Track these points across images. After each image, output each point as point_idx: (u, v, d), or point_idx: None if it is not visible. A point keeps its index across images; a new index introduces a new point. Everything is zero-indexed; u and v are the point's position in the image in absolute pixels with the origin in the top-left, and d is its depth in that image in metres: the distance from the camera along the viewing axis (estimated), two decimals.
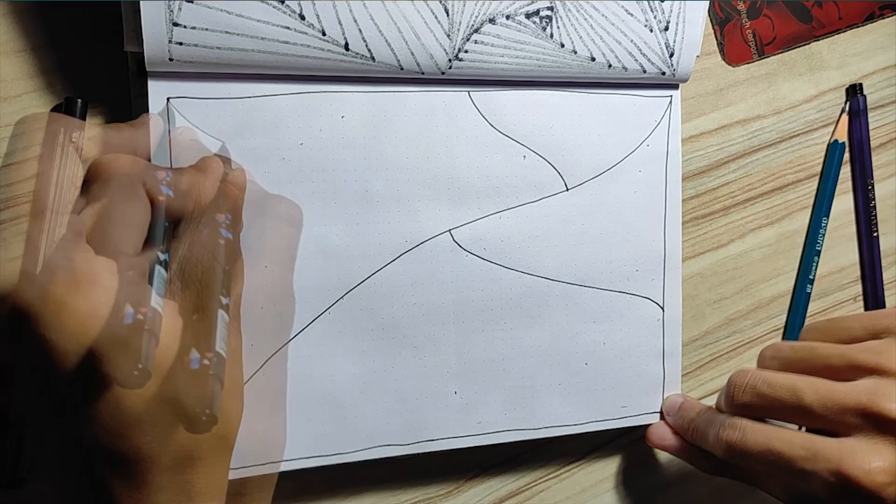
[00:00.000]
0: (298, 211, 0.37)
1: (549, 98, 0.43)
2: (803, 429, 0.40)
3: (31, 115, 0.35)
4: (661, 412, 0.46)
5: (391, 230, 0.40)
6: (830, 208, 0.52)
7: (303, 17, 0.36)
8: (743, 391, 0.40)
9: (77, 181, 0.37)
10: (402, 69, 0.39)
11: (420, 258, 0.41)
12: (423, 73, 0.39)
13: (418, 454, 0.41)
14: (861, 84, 0.52)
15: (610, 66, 0.42)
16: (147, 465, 0.29)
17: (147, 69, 0.36)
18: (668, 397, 0.46)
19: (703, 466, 0.44)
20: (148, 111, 0.36)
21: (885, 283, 0.53)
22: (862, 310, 0.54)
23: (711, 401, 0.45)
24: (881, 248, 0.53)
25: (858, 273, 0.53)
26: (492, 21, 0.39)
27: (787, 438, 0.38)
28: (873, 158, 0.52)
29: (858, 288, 0.53)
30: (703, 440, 0.42)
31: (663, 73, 0.43)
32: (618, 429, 0.45)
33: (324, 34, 0.37)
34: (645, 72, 0.43)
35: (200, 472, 0.31)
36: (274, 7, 0.36)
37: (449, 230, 0.41)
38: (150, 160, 0.34)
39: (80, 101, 0.37)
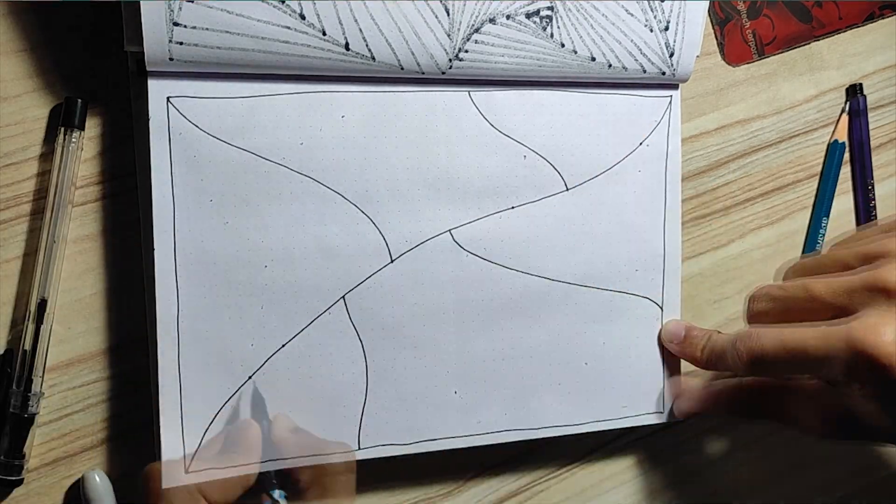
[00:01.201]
0: (353, 457, 0.39)
1: (549, 98, 0.43)
2: None
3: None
4: (659, 339, 0.46)
5: (391, 230, 0.40)
6: (830, 208, 0.52)
7: (303, 17, 0.36)
8: (758, 300, 0.40)
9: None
10: (402, 69, 0.39)
11: (420, 258, 0.41)
12: (423, 73, 0.39)
13: (418, 454, 0.41)
14: (861, 84, 0.52)
15: (610, 65, 0.42)
16: None
17: (147, 69, 0.36)
18: (667, 323, 0.46)
19: (734, 409, 0.44)
20: (148, 111, 0.36)
21: None
22: None
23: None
24: None
25: None
26: (492, 21, 0.39)
27: (798, 331, 0.39)
28: (873, 158, 0.52)
29: None
30: (721, 359, 0.42)
31: (663, 73, 0.43)
32: (618, 429, 0.45)
33: (324, 34, 0.37)
34: (645, 72, 0.43)
35: None
36: (274, 7, 0.36)
37: (449, 230, 0.41)
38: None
39: (80, 101, 0.37)
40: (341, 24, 0.37)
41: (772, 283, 0.42)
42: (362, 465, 0.41)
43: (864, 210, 0.53)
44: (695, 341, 0.44)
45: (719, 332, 0.44)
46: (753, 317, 0.42)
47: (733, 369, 0.41)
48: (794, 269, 0.44)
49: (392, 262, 0.40)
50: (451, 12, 0.39)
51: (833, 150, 0.51)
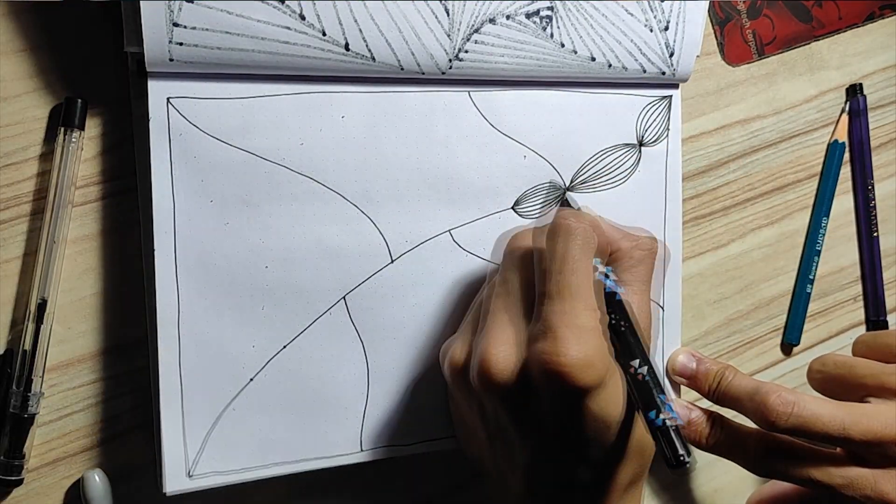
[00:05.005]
0: (656, 242, 0.39)
1: (549, 98, 0.43)
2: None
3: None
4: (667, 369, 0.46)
5: (391, 230, 0.40)
6: (830, 208, 0.52)
7: (303, 18, 0.36)
8: (787, 419, 0.40)
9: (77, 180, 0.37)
10: (402, 69, 0.39)
11: (420, 258, 0.41)
12: (423, 73, 0.39)
13: (418, 454, 0.41)
14: (861, 84, 0.52)
15: (610, 65, 0.42)
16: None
17: (147, 69, 0.36)
18: (675, 354, 0.46)
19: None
20: (148, 111, 0.36)
21: (885, 283, 0.53)
22: (862, 310, 0.54)
23: (705, 403, 0.45)
24: (881, 248, 0.53)
25: (858, 273, 0.53)
26: (492, 21, 0.39)
27: (824, 469, 0.40)
28: (873, 158, 0.52)
29: (858, 288, 0.54)
30: (733, 458, 0.42)
31: (663, 73, 0.43)
32: None
33: (324, 34, 0.37)
34: (645, 71, 0.43)
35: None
36: (274, 7, 0.36)
37: (449, 230, 0.41)
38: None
39: (80, 101, 0.37)
40: (341, 25, 0.37)
41: (804, 406, 0.41)
42: (363, 466, 0.41)
43: (864, 210, 0.53)
44: (702, 429, 0.43)
45: (735, 428, 0.43)
46: (776, 430, 0.41)
47: (744, 467, 0.42)
48: (823, 373, 0.45)
49: (392, 262, 0.40)
50: (451, 12, 0.39)
51: (833, 150, 0.51)
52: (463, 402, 0.38)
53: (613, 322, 0.36)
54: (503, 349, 0.34)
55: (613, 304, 0.36)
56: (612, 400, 0.34)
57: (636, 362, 0.34)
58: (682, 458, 0.32)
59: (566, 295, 0.33)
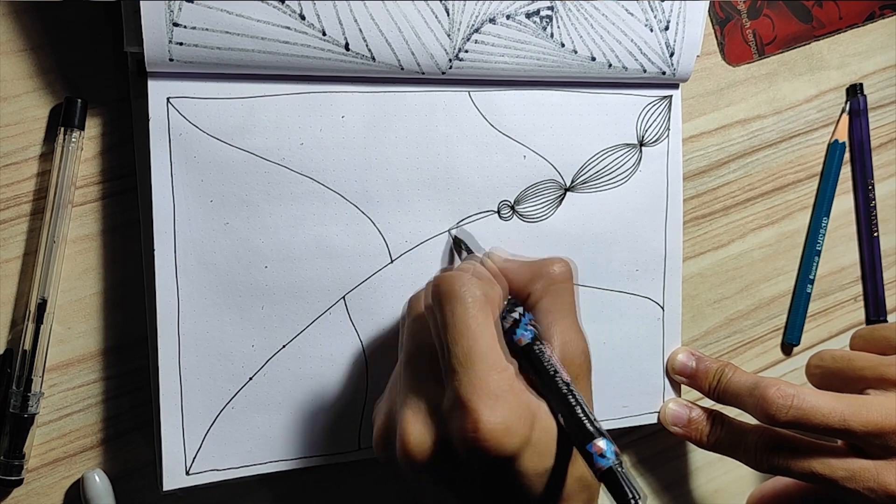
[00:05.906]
0: (568, 266, 0.38)
1: (549, 98, 0.43)
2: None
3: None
4: (666, 366, 0.46)
5: (391, 230, 0.40)
6: (830, 208, 0.52)
7: (303, 17, 0.36)
8: (787, 412, 0.40)
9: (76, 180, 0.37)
10: (402, 69, 0.39)
11: (420, 258, 0.41)
12: (423, 73, 0.39)
13: None
14: (861, 84, 0.52)
15: (610, 65, 0.42)
16: None
17: (147, 69, 0.36)
18: (674, 353, 0.46)
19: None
20: (148, 111, 0.36)
21: (885, 283, 0.53)
22: (862, 310, 0.54)
23: (706, 402, 0.45)
24: (881, 248, 0.53)
25: (858, 273, 0.53)
26: (492, 21, 0.39)
27: (826, 462, 0.40)
28: (873, 158, 0.52)
29: (858, 288, 0.53)
30: (734, 455, 0.42)
31: (663, 73, 0.43)
32: (618, 429, 0.45)
33: (324, 34, 0.37)
34: (645, 71, 0.43)
35: None
36: (274, 7, 0.36)
37: (449, 230, 0.41)
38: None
39: (80, 101, 0.37)
40: (341, 25, 0.37)
41: (803, 398, 0.40)
42: (362, 465, 0.41)
43: (864, 210, 0.53)
44: (702, 428, 0.44)
45: (734, 424, 0.43)
46: (776, 424, 0.41)
47: (746, 464, 0.42)
48: (822, 367, 0.45)
49: (392, 262, 0.40)
50: (451, 12, 0.39)
51: (833, 150, 0.51)
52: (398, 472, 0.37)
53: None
54: (418, 428, 0.33)
55: (523, 357, 0.35)
56: (540, 453, 0.33)
57: (559, 414, 0.33)
58: (629, 500, 0.30)
59: (470, 364, 0.32)
